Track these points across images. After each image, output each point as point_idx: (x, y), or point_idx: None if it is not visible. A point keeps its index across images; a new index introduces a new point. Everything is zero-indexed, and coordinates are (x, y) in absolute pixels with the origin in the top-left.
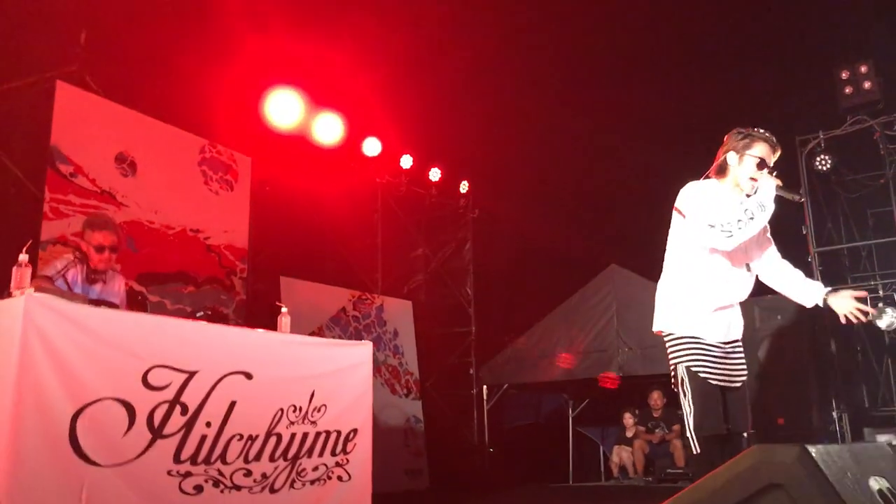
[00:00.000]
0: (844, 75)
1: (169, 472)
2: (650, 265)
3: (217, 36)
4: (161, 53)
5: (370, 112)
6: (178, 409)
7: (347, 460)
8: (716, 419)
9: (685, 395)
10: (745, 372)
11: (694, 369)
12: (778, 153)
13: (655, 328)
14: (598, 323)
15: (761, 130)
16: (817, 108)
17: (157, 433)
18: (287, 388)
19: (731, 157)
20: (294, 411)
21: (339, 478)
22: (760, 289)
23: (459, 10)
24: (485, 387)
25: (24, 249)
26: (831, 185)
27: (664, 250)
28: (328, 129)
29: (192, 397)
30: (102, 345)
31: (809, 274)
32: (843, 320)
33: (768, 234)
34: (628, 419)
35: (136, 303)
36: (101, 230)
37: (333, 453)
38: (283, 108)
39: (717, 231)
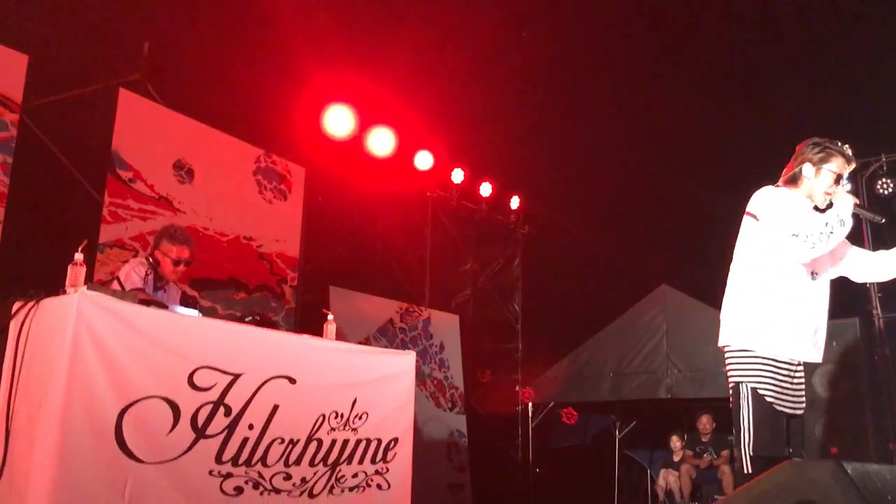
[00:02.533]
0: None
1: (210, 472)
2: (702, 287)
3: (276, 49)
4: (220, 65)
5: (423, 126)
6: (221, 410)
7: (387, 469)
8: (779, 442)
9: (744, 414)
10: (804, 399)
11: (761, 392)
12: (853, 166)
13: (721, 342)
14: (648, 344)
15: (839, 144)
16: (880, 129)
17: (200, 433)
18: (329, 395)
19: (808, 168)
20: (336, 417)
21: (379, 486)
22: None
23: (512, 26)
24: (530, 405)
25: (80, 249)
26: (893, 208)
27: (716, 272)
28: (381, 141)
29: (235, 399)
30: (151, 344)
31: (868, 299)
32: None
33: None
34: (675, 443)
35: (187, 305)
36: (180, 244)
37: (373, 461)
38: (338, 120)
39: (801, 241)
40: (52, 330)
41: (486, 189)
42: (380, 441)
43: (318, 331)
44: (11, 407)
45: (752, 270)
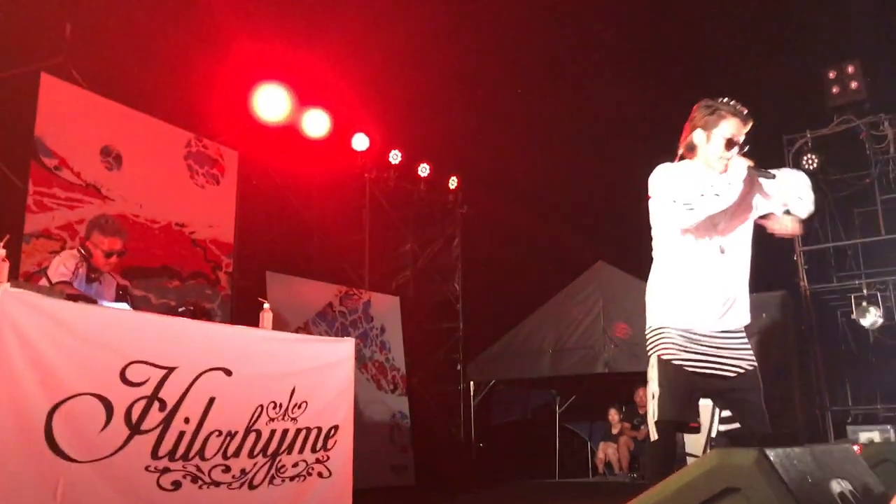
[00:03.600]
0: (832, 75)
1: (147, 468)
2: (637, 262)
3: (205, 29)
4: (147, 46)
5: (359, 107)
6: (156, 404)
7: (328, 457)
8: (679, 406)
9: (651, 385)
10: (747, 362)
11: (665, 357)
12: (749, 126)
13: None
14: (585, 319)
15: (730, 102)
16: (804, 107)
17: (134, 429)
18: (267, 385)
19: (699, 135)
20: (274, 408)
21: (320, 474)
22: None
23: (448, 6)
24: (472, 383)
25: (2, 244)
26: (818, 183)
27: (649, 248)
28: (316, 123)
29: (170, 393)
30: (79, 340)
31: (795, 272)
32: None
33: (758, 204)
34: (614, 416)
35: (118, 297)
36: (112, 236)
37: (314, 450)
38: (271, 102)
39: (679, 206)
40: None
41: (423, 170)
42: (320, 429)
43: (254, 319)
44: None
45: (659, 250)
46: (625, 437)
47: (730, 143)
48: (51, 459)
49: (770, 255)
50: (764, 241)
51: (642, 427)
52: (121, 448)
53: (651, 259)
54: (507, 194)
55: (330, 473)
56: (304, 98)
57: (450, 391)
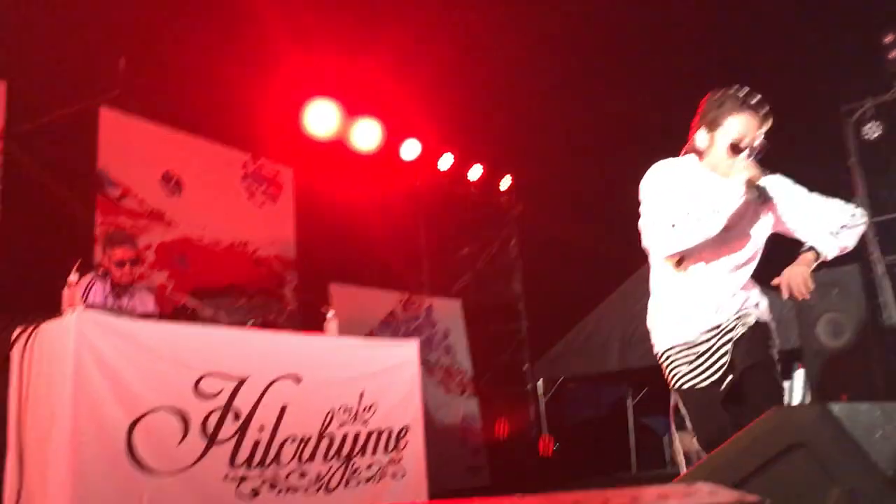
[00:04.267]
0: (888, 39)
1: (225, 477)
2: None
3: (253, 51)
4: (199, 71)
5: (408, 114)
6: (230, 415)
7: (401, 458)
8: (717, 426)
9: (686, 419)
10: (752, 318)
11: (682, 386)
12: (767, 123)
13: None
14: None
15: (739, 93)
16: (862, 75)
17: (211, 440)
18: (336, 390)
19: (701, 137)
20: (344, 412)
21: (394, 475)
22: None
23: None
24: (540, 382)
25: (74, 269)
26: (882, 152)
27: None
28: (366, 135)
29: (243, 403)
30: (153, 356)
31: (865, 245)
32: (784, 293)
33: (788, 208)
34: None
35: (185, 317)
36: (119, 245)
37: (386, 451)
38: (322, 117)
39: (645, 228)
40: (53, 353)
41: (475, 172)
42: (390, 431)
43: (321, 329)
44: (22, 433)
45: (652, 261)
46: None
47: (735, 149)
48: (134, 474)
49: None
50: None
51: None
52: (199, 459)
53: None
54: (561, 191)
55: (404, 474)
56: (354, 109)
57: (519, 391)
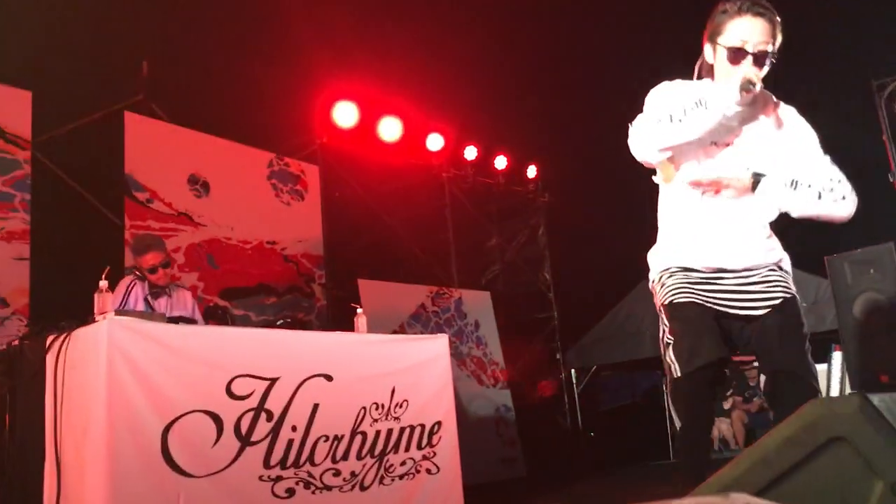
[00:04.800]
0: None
1: (260, 478)
2: None
3: (275, 49)
4: (221, 72)
5: (430, 107)
6: (263, 415)
7: (434, 453)
8: (709, 343)
9: (663, 331)
10: (778, 296)
11: (675, 300)
12: (771, 28)
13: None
14: None
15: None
16: (890, 49)
17: (245, 441)
18: (367, 387)
19: (707, 50)
20: (376, 409)
21: (428, 470)
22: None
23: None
24: (573, 371)
25: (104, 276)
26: None
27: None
28: (390, 129)
29: (275, 403)
30: (184, 360)
31: None
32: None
33: (795, 152)
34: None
35: (216, 317)
36: (146, 252)
37: (420, 447)
38: (345, 113)
39: (631, 131)
40: (86, 359)
41: (500, 162)
42: (423, 426)
43: (351, 326)
44: (58, 440)
45: (661, 191)
46: (737, 411)
47: (737, 53)
48: (170, 476)
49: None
50: (865, 195)
51: (755, 399)
52: (234, 460)
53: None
54: (589, 178)
55: (438, 469)
56: (377, 105)
57: (552, 380)
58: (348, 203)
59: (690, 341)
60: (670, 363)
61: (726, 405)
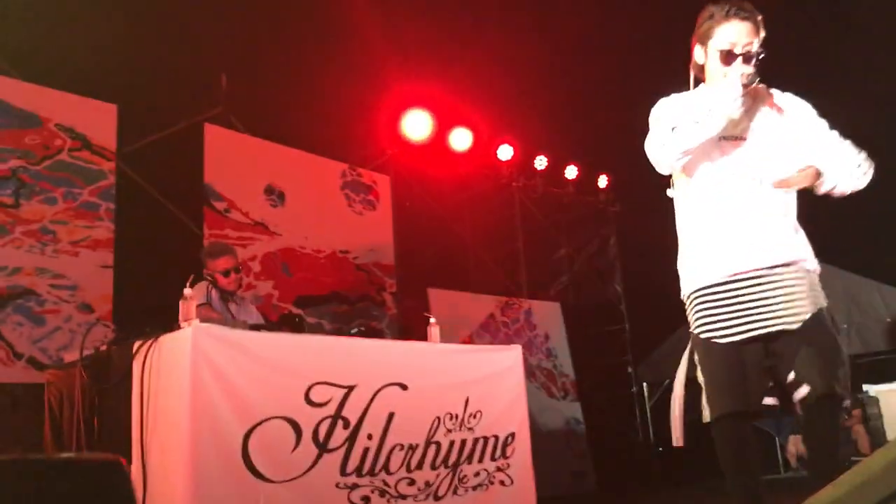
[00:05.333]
0: None
1: (337, 485)
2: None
3: (348, 63)
4: (297, 85)
5: (501, 116)
6: (340, 423)
7: (508, 465)
8: (738, 393)
9: (698, 371)
10: (804, 308)
11: (705, 335)
12: (757, 31)
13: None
14: None
15: (725, 5)
16: None
17: (322, 448)
18: (442, 397)
19: (697, 52)
20: (451, 419)
21: (502, 482)
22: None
23: (592, 11)
24: (645, 384)
25: (188, 283)
26: None
27: (837, 225)
28: (460, 139)
29: (352, 411)
30: (265, 367)
31: None
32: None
33: (804, 136)
34: None
35: (293, 324)
36: (220, 256)
37: (493, 458)
38: (417, 123)
39: (650, 145)
40: (171, 365)
41: (571, 172)
42: (497, 437)
43: (422, 334)
44: (144, 443)
45: (677, 200)
46: None
47: (728, 56)
48: (251, 481)
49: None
50: None
51: None
52: (312, 467)
53: (837, 234)
54: (661, 187)
55: (512, 481)
56: (449, 115)
57: (622, 394)
58: (419, 212)
59: (716, 390)
60: (703, 407)
61: None
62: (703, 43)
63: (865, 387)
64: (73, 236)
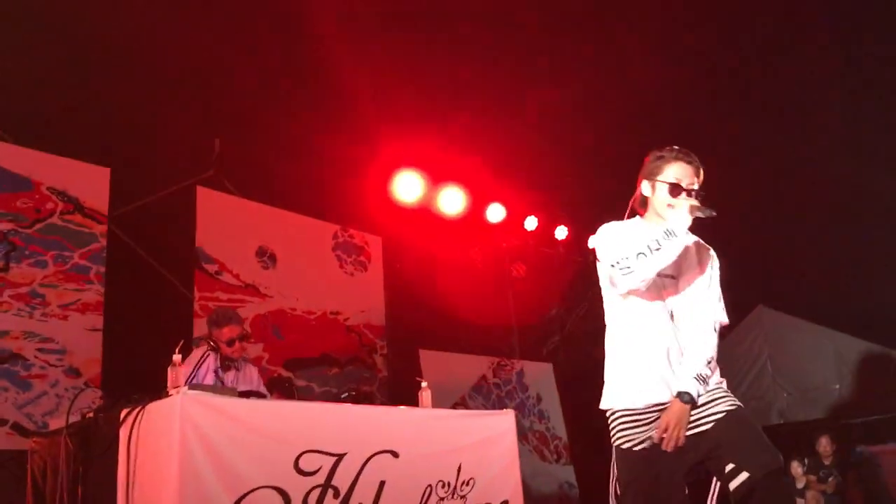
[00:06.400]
0: None
1: None
2: (803, 303)
3: (341, 126)
4: (289, 147)
5: (491, 178)
6: (330, 492)
7: None
8: (645, 498)
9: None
10: (726, 403)
11: (624, 445)
12: (700, 175)
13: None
14: (752, 370)
15: (675, 148)
16: None
17: None
18: (434, 464)
19: (644, 186)
20: (443, 487)
21: None
22: None
23: (578, 77)
24: None
25: (177, 350)
26: None
27: (816, 287)
28: (451, 201)
29: (342, 479)
30: (254, 434)
31: None
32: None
33: (709, 290)
34: (796, 469)
35: (283, 389)
36: (225, 325)
37: None
38: (408, 185)
39: (617, 269)
40: (159, 432)
41: (561, 232)
42: None
43: (412, 396)
44: None
45: (609, 318)
46: (812, 491)
47: (675, 189)
48: None
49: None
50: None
51: (830, 479)
52: None
53: (822, 292)
54: None
55: None
56: (438, 177)
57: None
58: (410, 273)
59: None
60: None
61: (800, 485)
62: (651, 178)
63: (860, 448)
64: (62, 300)
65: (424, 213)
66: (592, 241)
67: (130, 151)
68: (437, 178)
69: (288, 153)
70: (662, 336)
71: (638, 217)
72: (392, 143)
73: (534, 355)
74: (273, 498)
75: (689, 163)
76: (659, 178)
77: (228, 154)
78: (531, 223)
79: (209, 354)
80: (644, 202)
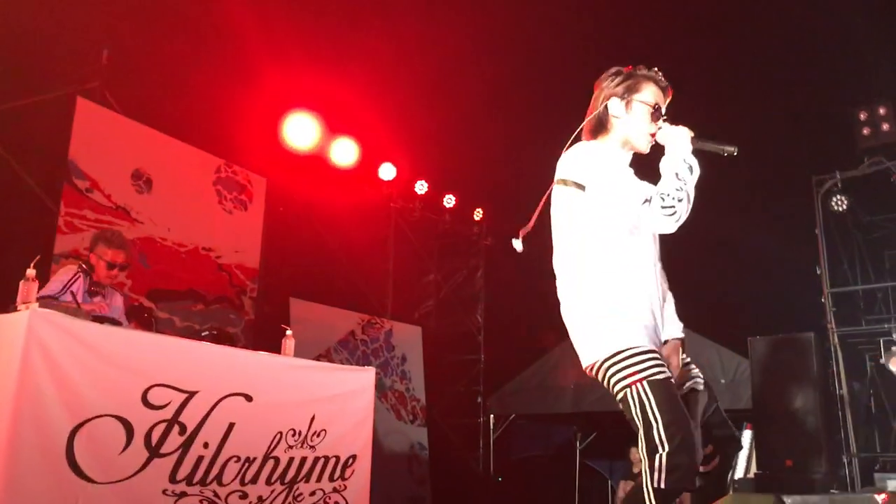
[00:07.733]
0: (863, 116)
1: (164, 492)
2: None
3: (236, 58)
4: (181, 74)
5: (386, 137)
6: (176, 428)
7: (345, 486)
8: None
9: (648, 409)
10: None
11: (657, 376)
12: (669, 98)
13: (594, 358)
14: None
15: (644, 68)
16: (834, 148)
17: (154, 452)
18: (287, 412)
19: (615, 105)
20: (293, 435)
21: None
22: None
23: (477, 35)
24: (492, 416)
25: (32, 264)
26: (847, 225)
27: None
28: (344, 152)
29: (190, 417)
30: (104, 361)
31: (822, 314)
32: None
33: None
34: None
35: (142, 319)
36: (115, 248)
37: (331, 479)
38: (301, 130)
39: (657, 207)
40: (1, 347)
41: (449, 201)
42: (338, 458)
43: (277, 344)
44: None
45: (588, 254)
46: None
47: (656, 113)
48: (71, 479)
49: (797, 296)
50: (789, 282)
51: None
52: (139, 471)
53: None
54: (533, 228)
55: (347, 503)
56: (333, 127)
57: (470, 423)
58: (291, 219)
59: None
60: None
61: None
62: (627, 95)
63: None
64: None
65: (315, 161)
66: (580, 164)
67: (9, 47)
68: (331, 127)
69: (180, 81)
70: (651, 282)
71: (598, 141)
72: (286, 86)
73: (406, 318)
74: (115, 427)
75: (662, 87)
76: (637, 97)
77: (118, 70)
78: (421, 187)
79: (79, 276)
80: (602, 125)
